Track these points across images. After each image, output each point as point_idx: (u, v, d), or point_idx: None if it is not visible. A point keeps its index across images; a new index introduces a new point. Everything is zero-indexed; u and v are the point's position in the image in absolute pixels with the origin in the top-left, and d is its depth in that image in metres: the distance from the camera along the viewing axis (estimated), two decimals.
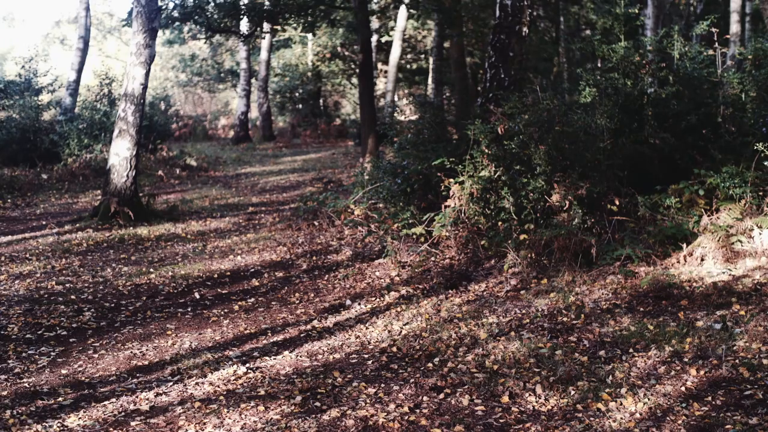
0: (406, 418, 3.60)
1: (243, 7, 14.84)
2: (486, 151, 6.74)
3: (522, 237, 6.17)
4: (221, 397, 3.90)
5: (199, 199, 11.65)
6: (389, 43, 22.28)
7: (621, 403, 3.63)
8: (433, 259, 6.50)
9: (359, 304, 5.70)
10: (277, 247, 7.81)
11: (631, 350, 4.34)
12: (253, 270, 6.93)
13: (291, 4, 14.14)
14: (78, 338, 5.00)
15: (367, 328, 5.07)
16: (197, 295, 6.07)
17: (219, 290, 6.25)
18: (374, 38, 21.63)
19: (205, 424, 3.57)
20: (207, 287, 6.33)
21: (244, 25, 18.49)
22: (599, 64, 7.66)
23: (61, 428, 3.54)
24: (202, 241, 8.30)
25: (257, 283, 6.45)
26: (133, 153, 9.41)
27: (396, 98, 21.69)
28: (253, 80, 23.85)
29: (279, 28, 19.26)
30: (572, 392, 3.79)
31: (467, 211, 6.63)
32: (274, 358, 4.53)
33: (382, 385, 4.03)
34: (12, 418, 3.64)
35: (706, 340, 4.38)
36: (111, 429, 3.53)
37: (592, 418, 3.50)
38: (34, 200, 11.40)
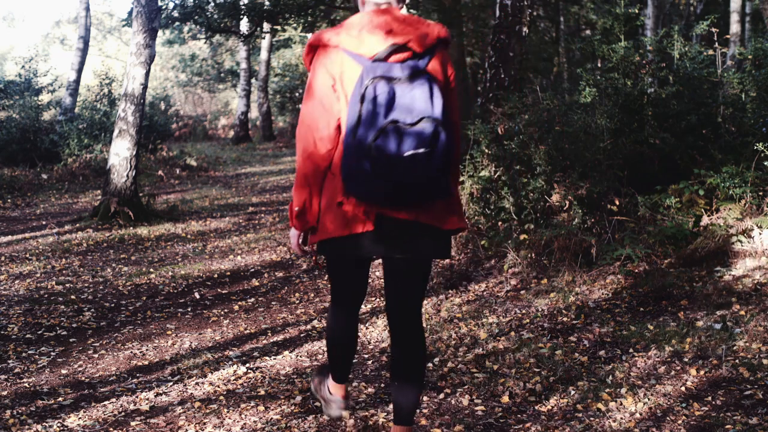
0: None
1: (243, 7, 14.86)
2: (486, 151, 6.74)
3: (522, 237, 6.17)
4: (221, 397, 3.90)
5: (199, 199, 11.65)
6: None
7: (621, 403, 3.63)
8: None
9: None
10: (277, 247, 7.81)
11: (631, 350, 4.34)
12: (253, 270, 6.94)
13: (291, 4, 14.16)
14: (78, 338, 5.00)
15: (367, 328, 5.07)
16: (197, 295, 6.08)
17: (219, 290, 6.25)
18: None
19: (205, 424, 3.57)
20: (207, 287, 6.34)
21: (244, 25, 18.51)
22: (599, 64, 7.67)
23: (61, 428, 3.54)
24: (202, 241, 8.30)
25: (257, 283, 6.45)
26: (133, 153, 9.42)
27: None
28: (253, 80, 23.85)
29: (279, 28, 19.25)
30: (572, 392, 3.79)
31: (467, 211, 6.63)
32: (274, 358, 4.53)
33: (382, 385, 4.03)
34: (12, 418, 3.64)
35: (706, 340, 4.38)
36: (111, 429, 3.53)
37: (592, 418, 3.50)
38: (34, 200, 11.41)
